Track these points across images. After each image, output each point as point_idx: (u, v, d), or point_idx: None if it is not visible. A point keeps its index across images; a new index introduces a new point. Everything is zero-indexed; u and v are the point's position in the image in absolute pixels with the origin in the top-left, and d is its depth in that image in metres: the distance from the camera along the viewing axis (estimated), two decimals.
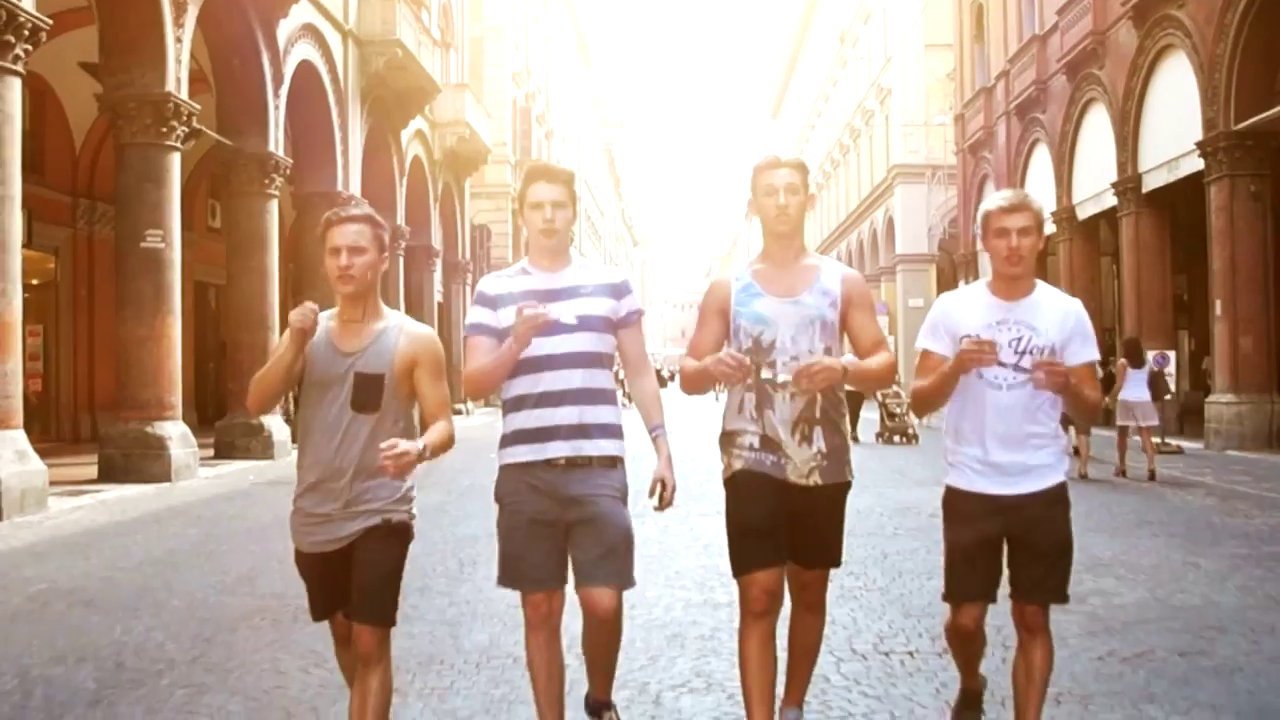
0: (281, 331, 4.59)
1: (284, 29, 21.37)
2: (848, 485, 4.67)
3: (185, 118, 17.35)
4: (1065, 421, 8.04)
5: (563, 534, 4.44)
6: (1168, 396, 20.58)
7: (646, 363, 4.84)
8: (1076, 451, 14.92)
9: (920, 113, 45.97)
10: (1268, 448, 19.24)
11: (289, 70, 21.85)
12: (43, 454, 13.79)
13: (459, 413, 34.25)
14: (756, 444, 4.58)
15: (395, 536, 4.31)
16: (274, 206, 21.31)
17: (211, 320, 30.49)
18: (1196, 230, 22.25)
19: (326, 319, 4.39)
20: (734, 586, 4.60)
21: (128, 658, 6.61)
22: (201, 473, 17.40)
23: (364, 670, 4.29)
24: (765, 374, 4.55)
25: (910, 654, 6.39)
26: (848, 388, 4.77)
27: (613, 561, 4.43)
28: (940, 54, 43.88)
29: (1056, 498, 4.44)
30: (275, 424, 20.46)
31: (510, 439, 4.50)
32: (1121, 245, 25.93)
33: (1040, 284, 4.57)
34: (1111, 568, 8.84)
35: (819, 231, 70.31)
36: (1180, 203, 23.41)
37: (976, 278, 35.36)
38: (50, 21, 13.56)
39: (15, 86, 13.09)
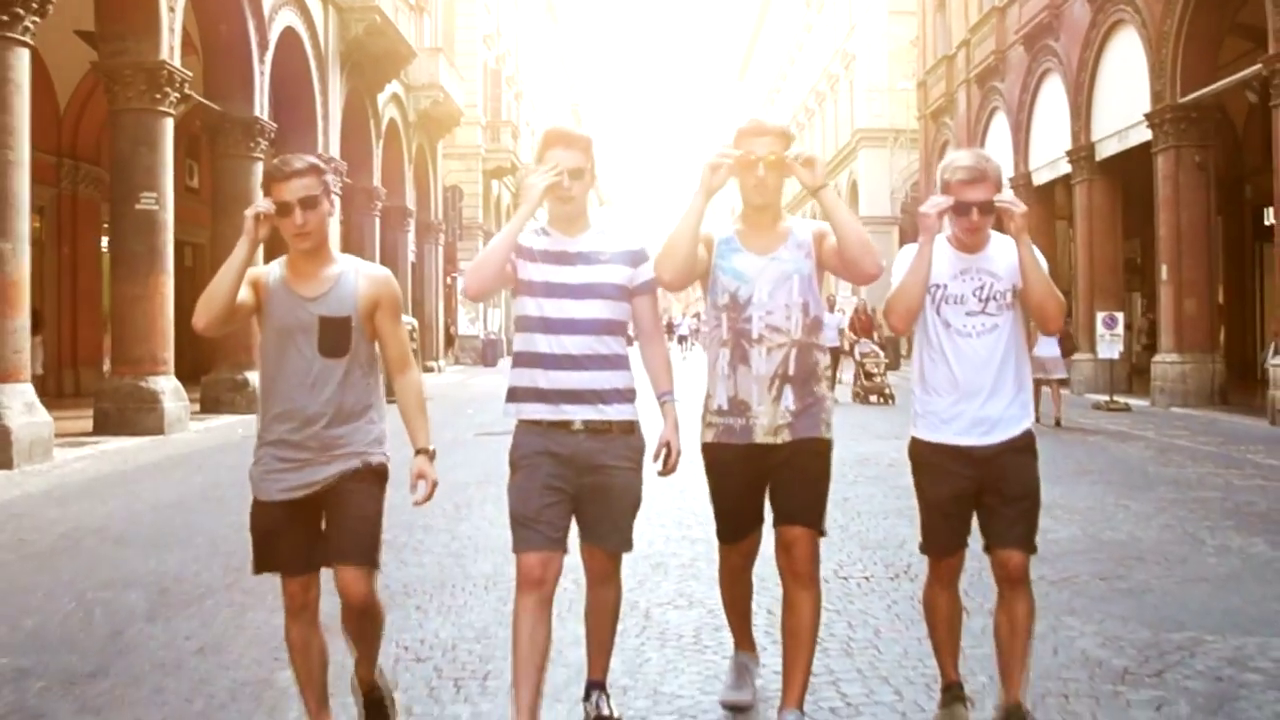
0: None
1: None
2: (825, 443, 4.64)
3: (178, 84, 17.89)
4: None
5: (571, 499, 4.41)
6: (1075, 355, 21.58)
7: (659, 331, 4.79)
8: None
9: (884, 78, 46.70)
10: (1209, 404, 20.23)
11: (274, 36, 22.30)
12: None
13: (430, 370, 34.90)
14: (724, 406, 4.62)
15: (375, 477, 4.30)
16: (258, 169, 21.57)
17: (189, 278, 30.99)
18: (1147, 197, 23.15)
19: (279, 266, 4.34)
20: (707, 523, 4.77)
21: (169, 584, 7.33)
22: (192, 426, 18.02)
23: (355, 614, 4.35)
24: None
25: (866, 578, 7.31)
26: (829, 345, 5.02)
27: (621, 529, 4.49)
28: (904, 20, 44.50)
29: (1024, 445, 4.48)
30: (258, 378, 21.10)
31: (522, 394, 4.45)
32: (1075, 211, 26.83)
33: (995, 234, 4.58)
34: (1050, 509, 9.60)
35: (783, 195, 70.40)
36: (1133, 170, 24.24)
37: None
38: None
39: (24, 57, 13.72)
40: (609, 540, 4.49)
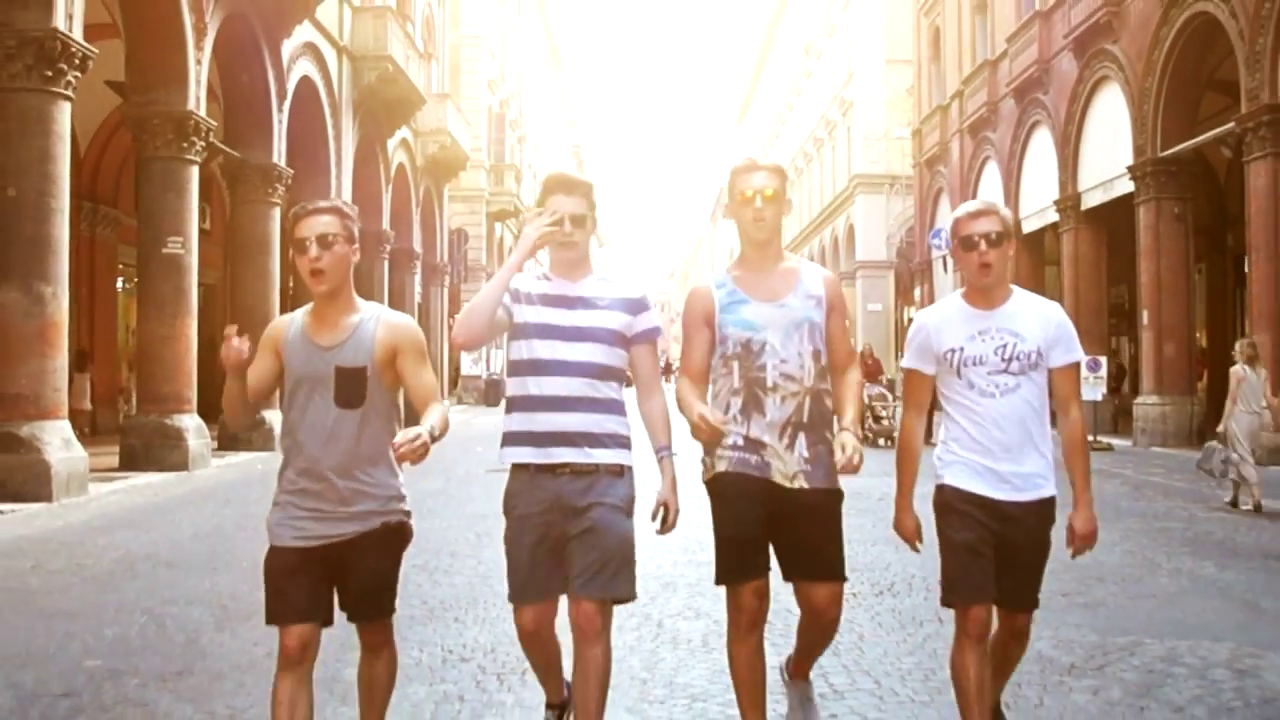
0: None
1: (287, 47, 22.76)
2: (839, 495, 4.60)
3: (204, 133, 18.77)
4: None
5: (563, 545, 4.34)
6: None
7: (658, 382, 4.70)
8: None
9: (881, 125, 47.43)
10: (1187, 444, 20.98)
11: (291, 85, 23.20)
12: None
13: None
14: (740, 443, 4.54)
15: (394, 538, 4.27)
16: (276, 214, 22.60)
17: (201, 318, 31.66)
18: (1132, 245, 23.98)
19: (302, 315, 4.32)
20: (711, 548, 4.66)
21: (227, 601, 8.06)
22: (213, 462, 18.76)
23: (371, 656, 4.41)
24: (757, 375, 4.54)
25: (853, 594, 8.04)
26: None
27: (606, 572, 4.29)
28: (900, 70, 45.40)
29: (1048, 514, 4.45)
30: (275, 417, 21.87)
31: (513, 438, 4.44)
32: (1062, 257, 27.72)
33: (1016, 289, 4.57)
34: None
35: (783, 237, 71.14)
36: (1119, 219, 25.13)
37: (930, 285, 37.23)
38: (96, 50, 15.06)
39: (66, 110, 14.55)
40: (593, 589, 4.27)
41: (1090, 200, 25.82)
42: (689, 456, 4.61)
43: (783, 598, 5.21)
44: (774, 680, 4.91)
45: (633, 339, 4.54)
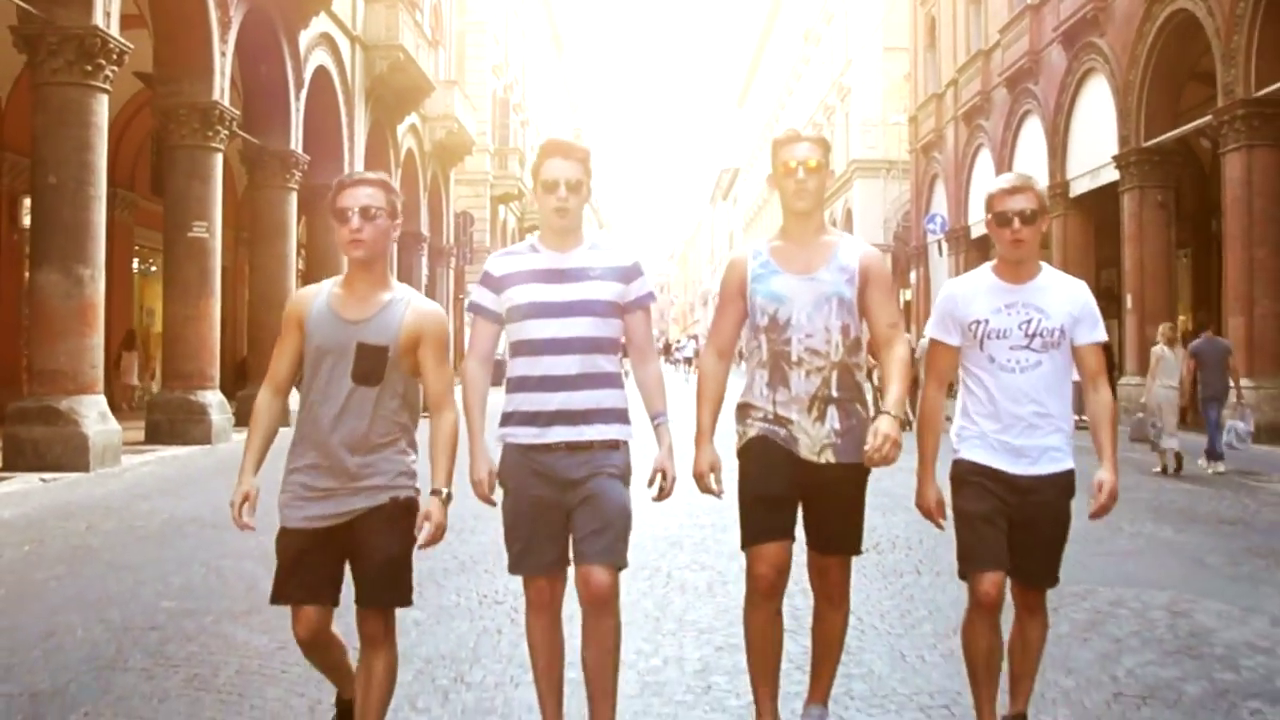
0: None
1: (304, 38, 23.61)
2: (865, 471, 4.49)
3: (228, 123, 19.68)
4: None
5: (564, 518, 4.32)
6: None
7: (652, 349, 4.66)
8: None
9: (878, 111, 47.96)
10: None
11: (308, 75, 24.02)
12: None
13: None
14: (770, 416, 4.51)
15: (403, 513, 4.19)
16: (293, 199, 23.49)
17: None
18: (1119, 230, 24.86)
19: (330, 285, 4.31)
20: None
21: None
22: (233, 436, 19.56)
23: (369, 652, 4.25)
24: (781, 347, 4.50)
25: None
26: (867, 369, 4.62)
27: (607, 537, 4.29)
28: (898, 57, 46.04)
29: (1066, 485, 4.43)
30: (292, 394, 22.68)
31: (510, 418, 4.39)
32: (1052, 243, 28.57)
33: (1045, 266, 4.56)
34: None
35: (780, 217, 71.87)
36: (1108, 206, 25.86)
37: (926, 269, 38.03)
38: (132, 46, 15.92)
39: (104, 102, 15.43)
40: (598, 557, 4.28)
41: (1078, 188, 26.67)
42: (684, 424, 4.61)
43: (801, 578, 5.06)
44: (790, 658, 5.17)
45: (626, 307, 4.48)
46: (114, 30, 15.42)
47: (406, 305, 4.22)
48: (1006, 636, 4.56)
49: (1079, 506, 4.45)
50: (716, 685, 5.65)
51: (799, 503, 4.53)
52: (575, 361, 4.32)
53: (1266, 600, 7.58)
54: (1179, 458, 15.03)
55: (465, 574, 8.20)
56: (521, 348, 4.40)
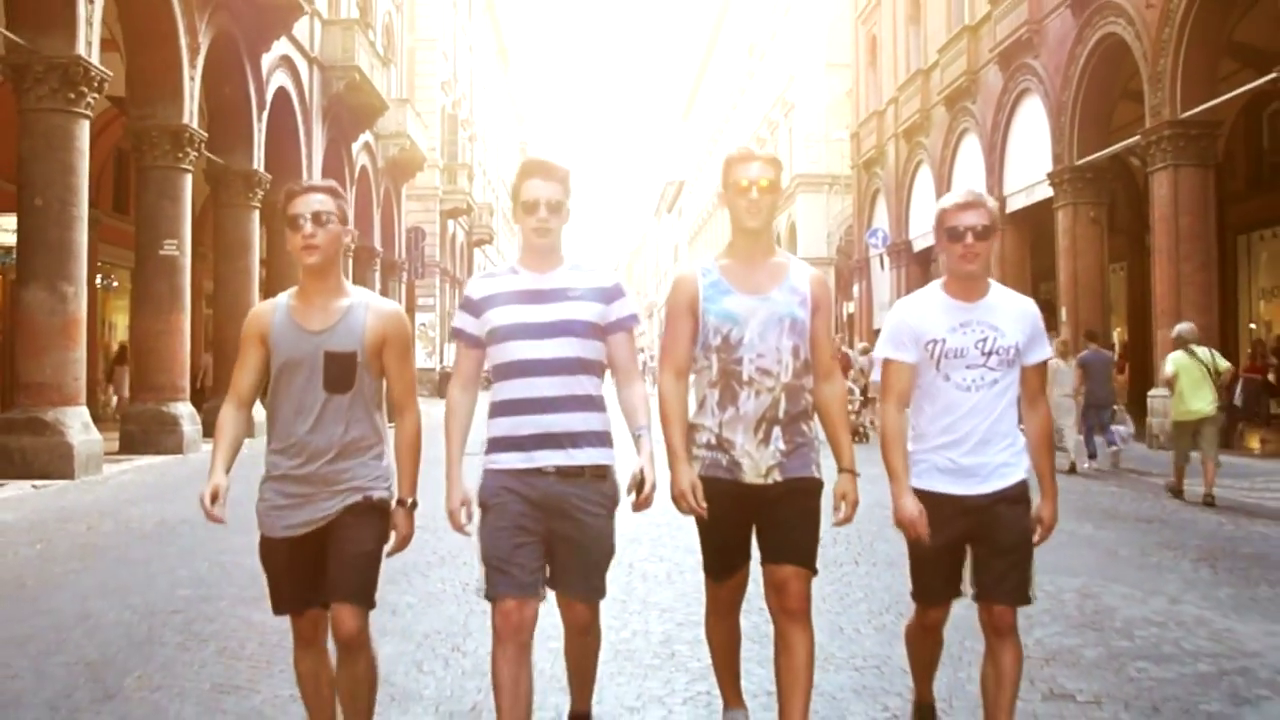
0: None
1: (266, 60, 24.23)
2: (816, 483, 4.50)
3: (197, 144, 20.33)
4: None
5: (543, 541, 4.27)
6: None
7: (635, 370, 4.60)
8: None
9: (821, 127, 48.71)
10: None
11: (270, 96, 24.64)
12: None
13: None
14: (713, 441, 4.50)
15: (376, 513, 4.23)
16: (256, 216, 24.09)
17: None
18: (1054, 245, 25.75)
19: (286, 299, 4.31)
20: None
21: None
22: (203, 446, 20.05)
23: (347, 657, 4.26)
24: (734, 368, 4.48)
25: None
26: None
27: (595, 577, 4.37)
28: (840, 73, 46.55)
29: (1019, 496, 4.38)
30: (256, 406, 23.23)
31: (496, 444, 4.36)
32: (991, 258, 29.48)
33: (993, 283, 4.53)
34: None
35: (727, 233, 72.05)
36: (1045, 221, 26.78)
37: (868, 282, 38.91)
38: (111, 74, 16.58)
39: (85, 127, 16.09)
40: (579, 591, 4.39)
41: (1015, 204, 27.64)
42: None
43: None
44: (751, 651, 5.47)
45: (607, 328, 4.43)
46: (95, 59, 16.05)
47: (366, 308, 4.27)
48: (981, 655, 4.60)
49: None
50: (679, 652, 6.54)
51: (751, 526, 4.56)
52: (558, 383, 4.29)
53: (1167, 585, 8.48)
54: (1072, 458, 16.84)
55: (446, 566, 8.94)
56: (503, 370, 4.36)
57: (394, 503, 4.29)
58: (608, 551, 4.41)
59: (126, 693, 5.84)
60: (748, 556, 4.62)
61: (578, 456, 4.29)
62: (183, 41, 19.63)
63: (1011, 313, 4.45)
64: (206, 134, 20.99)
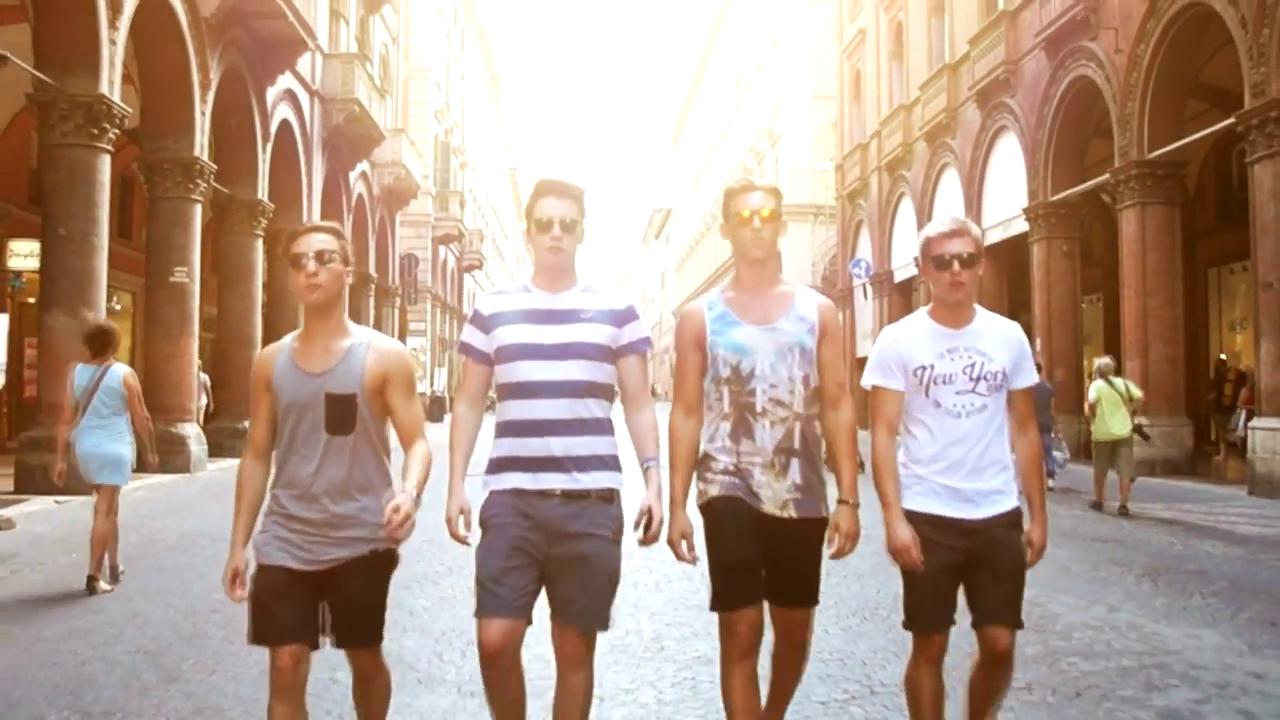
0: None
1: (270, 94, 25.12)
2: (824, 521, 4.46)
3: (207, 176, 21.19)
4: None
5: (541, 566, 4.18)
6: None
7: (646, 395, 4.50)
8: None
9: (806, 158, 49.84)
10: (1077, 460, 23.41)
11: (274, 128, 25.49)
12: None
13: None
14: (731, 468, 4.44)
15: (382, 564, 4.21)
16: (259, 244, 24.86)
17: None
18: (1030, 277, 26.59)
19: (290, 341, 4.28)
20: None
21: None
22: (208, 465, 21.01)
23: (362, 681, 4.39)
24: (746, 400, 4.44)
25: None
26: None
27: (591, 602, 4.18)
28: (825, 105, 47.45)
29: (1013, 521, 4.39)
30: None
31: (500, 464, 4.29)
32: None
33: (979, 309, 4.53)
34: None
35: (714, 259, 73.01)
36: (1022, 254, 27.41)
37: (852, 311, 39.68)
38: (131, 111, 17.45)
39: (107, 162, 16.98)
40: (580, 619, 4.19)
41: (993, 237, 28.23)
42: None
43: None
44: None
45: (619, 351, 4.37)
46: (117, 97, 16.91)
47: (367, 348, 4.21)
48: (967, 677, 4.62)
49: None
50: (668, 647, 7.38)
51: (763, 555, 4.45)
52: (566, 405, 4.22)
53: (1110, 596, 9.27)
54: None
55: (455, 575, 9.70)
56: (510, 390, 4.30)
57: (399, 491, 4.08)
58: (611, 577, 4.25)
59: (186, 675, 6.69)
60: (761, 586, 4.44)
61: (583, 480, 4.21)
62: (195, 78, 20.51)
63: (998, 338, 4.46)
64: (216, 167, 21.82)
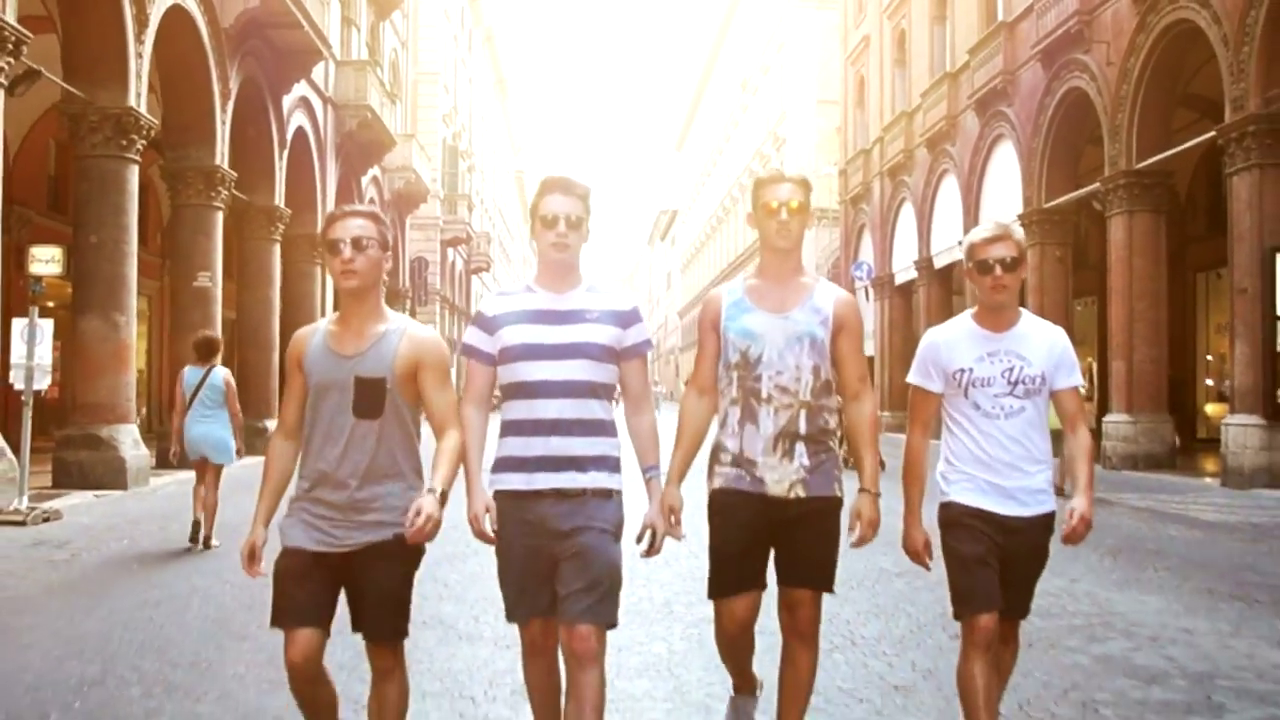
0: (282, 353, 4.79)
1: (286, 102, 25.89)
2: (837, 502, 4.49)
3: (228, 184, 21.95)
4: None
5: (552, 567, 4.19)
6: None
7: (648, 398, 4.48)
8: None
9: (811, 162, 49.60)
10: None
11: (290, 135, 26.25)
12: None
13: None
14: (734, 460, 4.49)
15: (406, 552, 4.13)
16: (277, 249, 25.65)
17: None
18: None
19: (326, 323, 4.27)
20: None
21: None
22: (236, 462, 21.61)
23: (381, 682, 4.26)
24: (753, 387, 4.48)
25: None
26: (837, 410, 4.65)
27: (594, 596, 4.11)
28: (830, 110, 48.01)
29: (1048, 525, 4.47)
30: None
31: (502, 464, 4.29)
32: (966, 291, 30.86)
33: (1024, 313, 4.55)
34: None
35: (720, 261, 73.69)
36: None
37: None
38: (157, 122, 18.21)
39: (135, 171, 17.67)
40: (583, 611, 4.12)
41: None
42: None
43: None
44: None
45: (622, 353, 4.35)
46: (143, 109, 17.64)
47: (401, 335, 4.17)
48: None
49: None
50: (676, 610, 8.26)
51: (769, 547, 4.53)
52: (568, 405, 4.20)
53: (1073, 570, 9.97)
54: None
55: (480, 556, 9.93)
56: (514, 390, 4.28)
57: (424, 490, 4.06)
58: (611, 570, 4.18)
59: (254, 635, 7.44)
60: (760, 579, 4.55)
61: (581, 480, 4.19)
62: (215, 89, 21.24)
63: (1039, 342, 4.48)
64: (236, 175, 22.51)
